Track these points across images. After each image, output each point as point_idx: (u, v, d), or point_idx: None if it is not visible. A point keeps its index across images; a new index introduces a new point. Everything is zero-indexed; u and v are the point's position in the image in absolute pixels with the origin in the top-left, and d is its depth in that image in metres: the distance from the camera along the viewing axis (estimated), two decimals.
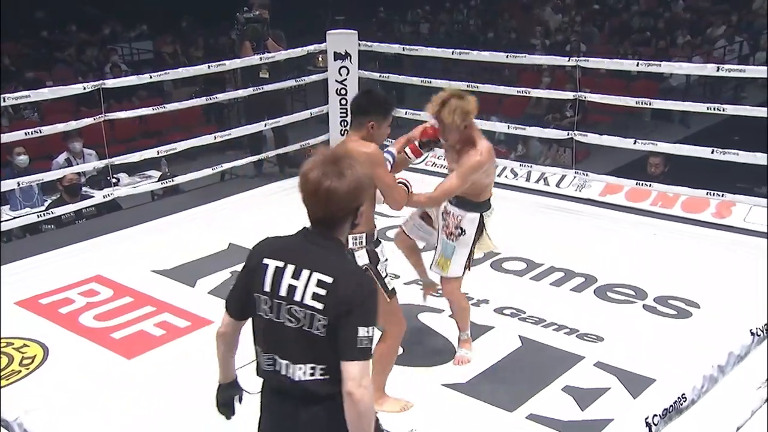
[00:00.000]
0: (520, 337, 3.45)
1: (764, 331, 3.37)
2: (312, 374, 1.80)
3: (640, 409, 2.86)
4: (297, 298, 1.78)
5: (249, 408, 2.98)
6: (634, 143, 5.02)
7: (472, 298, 3.81)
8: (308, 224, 1.89)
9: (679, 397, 2.86)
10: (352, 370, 1.73)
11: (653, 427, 2.73)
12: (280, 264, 1.81)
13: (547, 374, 3.14)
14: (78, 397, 3.07)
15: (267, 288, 1.82)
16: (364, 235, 2.68)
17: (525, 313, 3.67)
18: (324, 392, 1.80)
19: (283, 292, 1.80)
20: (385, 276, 2.76)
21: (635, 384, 3.05)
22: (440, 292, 3.37)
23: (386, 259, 2.77)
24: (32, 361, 3.31)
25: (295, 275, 1.79)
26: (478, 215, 3.13)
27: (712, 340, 3.32)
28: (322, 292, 1.76)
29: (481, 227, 3.16)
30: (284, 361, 1.83)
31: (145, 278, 4.11)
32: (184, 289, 4.00)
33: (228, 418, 2.12)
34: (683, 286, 3.87)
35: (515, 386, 3.09)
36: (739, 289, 3.80)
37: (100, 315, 3.72)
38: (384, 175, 2.73)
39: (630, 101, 5.23)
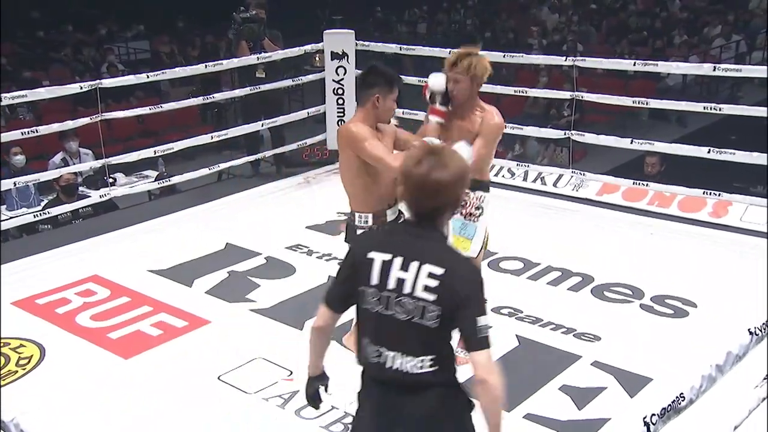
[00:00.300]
0: (517, 336, 3.45)
1: (762, 331, 3.37)
2: (421, 365, 1.84)
3: (637, 409, 2.87)
4: (407, 290, 1.81)
5: (244, 410, 2.98)
6: (631, 143, 5.02)
7: None
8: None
9: (677, 397, 2.87)
10: (480, 359, 1.80)
11: (651, 427, 2.73)
12: (387, 257, 1.84)
13: (545, 374, 3.14)
14: (75, 398, 3.07)
15: (374, 281, 1.84)
16: (370, 215, 2.78)
17: (522, 312, 3.67)
18: (431, 382, 1.85)
19: (391, 284, 1.83)
20: None
21: (632, 383, 3.05)
22: None
23: None
24: (29, 362, 3.30)
25: (404, 267, 1.82)
26: (488, 194, 3.18)
27: (709, 339, 3.32)
28: (434, 283, 1.79)
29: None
30: (392, 353, 1.85)
31: (142, 278, 4.10)
32: (181, 289, 3.99)
33: (316, 408, 2.20)
34: (680, 285, 3.88)
35: (512, 386, 3.05)
36: (737, 289, 3.80)
37: (96, 315, 3.71)
38: (370, 148, 2.73)
39: (627, 101, 5.23)
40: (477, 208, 3.16)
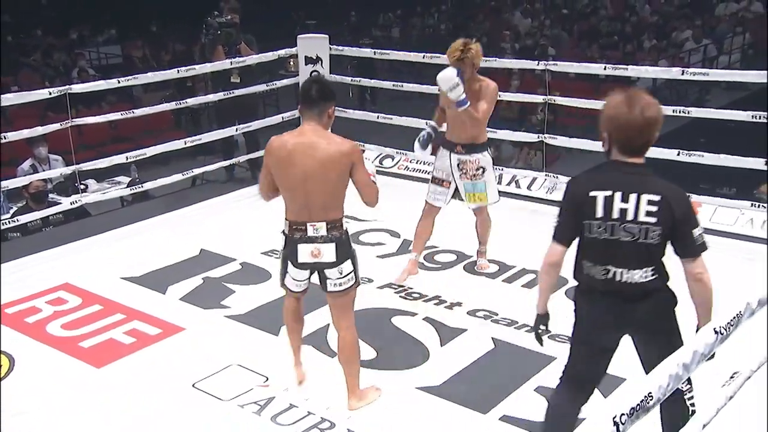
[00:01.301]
0: (492, 339, 3.48)
1: (727, 330, 3.43)
2: (645, 275, 2.27)
3: (609, 408, 2.89)
4: (630, 217, 2.21)
5: (220, 417, 2.96)
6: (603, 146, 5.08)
7: (445, 301, 3.83)
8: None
9: (645, 396, 2.89)
10: (698, 264, 2.27)
11: (621, 426, 2.75)
12: (608, 193, 2.22)
13: (520, 375, 3.17)
14: (46, 408, 3.01)
15: (599, 214, 2.23)
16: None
17: (497, 315, 3.70)
18: (654, 287, 2.30)
19: (615, 215, 2.22)
20: None
21: (606, 383, 3.07)
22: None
23: None
24: None
25: (624, 200, 2.21)
26: (487, 153, 3.94)
27: None
28: (654, 209, 2.19)
29: (492, 160, 3.96)
30: (620, 269, 2.27)
31: (114, 285, 4.05)
32: (155, 296, 3.94)
33: (541, 344, 2.59)
34: None
35: (488, 388, 3.11)
36: None
37: (68, 324, 3.66)
38: (364, 173, 2.79)
39: (598, 104, 5.28)
40: (477, 169, 3.88)
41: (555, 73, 5.45)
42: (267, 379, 3.16)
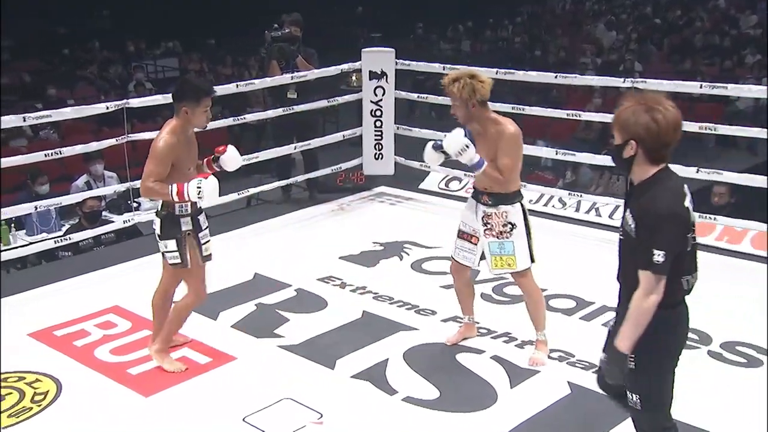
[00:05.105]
0: (568, 383, 3.40)
1: None
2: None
3: None
4: (693, 219, 2.44)
5: None
6: (697, 172, 4.94)
7: (516, 339, 3.78)
8: None
9: None
10: None
11: None
12: (688, 200, 2.41)
13: (599, 425, 3.08)
14: None
15: (691, 222, 2.42)
16: (189, 204, 3.43)
17: (574, 356, 3.62)
18: None
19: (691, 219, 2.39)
20: (205, 242, 3.54)
21: None
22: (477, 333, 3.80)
23: (207, 227, 3.57)
24: (44, 398, 3.36)
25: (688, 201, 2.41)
26: (518, 205, 3.46)
27: None
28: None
29: (526, 215, 3.48)
30: (697, 272, 2.52)
31: None
32: (206, 322, 4.03)
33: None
34: (753, 331, 3.77)
35: None
36: None
37: (116, 349, 3.78)
38: (150, 165, 3.37)
39: (693, 126, 5.16)
40: (505, 225, 3.44)
41: (642, 91, 5.35)
42: (321, 416, 3.17)
